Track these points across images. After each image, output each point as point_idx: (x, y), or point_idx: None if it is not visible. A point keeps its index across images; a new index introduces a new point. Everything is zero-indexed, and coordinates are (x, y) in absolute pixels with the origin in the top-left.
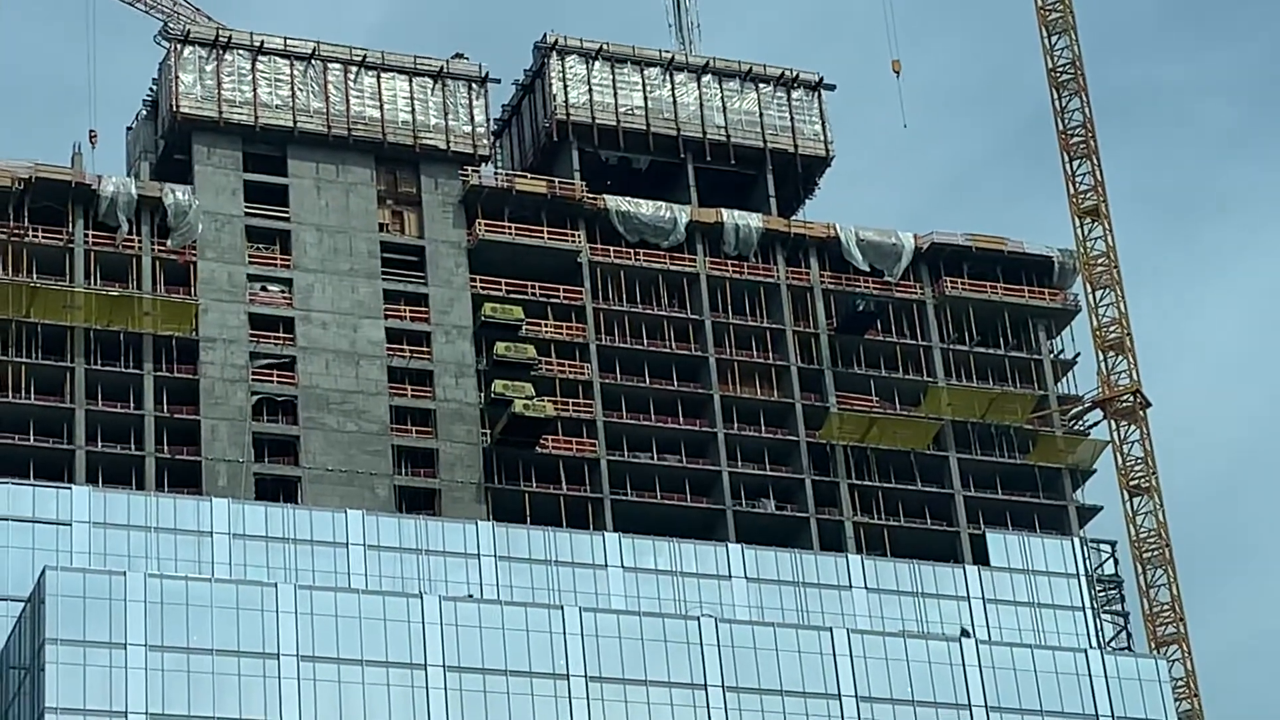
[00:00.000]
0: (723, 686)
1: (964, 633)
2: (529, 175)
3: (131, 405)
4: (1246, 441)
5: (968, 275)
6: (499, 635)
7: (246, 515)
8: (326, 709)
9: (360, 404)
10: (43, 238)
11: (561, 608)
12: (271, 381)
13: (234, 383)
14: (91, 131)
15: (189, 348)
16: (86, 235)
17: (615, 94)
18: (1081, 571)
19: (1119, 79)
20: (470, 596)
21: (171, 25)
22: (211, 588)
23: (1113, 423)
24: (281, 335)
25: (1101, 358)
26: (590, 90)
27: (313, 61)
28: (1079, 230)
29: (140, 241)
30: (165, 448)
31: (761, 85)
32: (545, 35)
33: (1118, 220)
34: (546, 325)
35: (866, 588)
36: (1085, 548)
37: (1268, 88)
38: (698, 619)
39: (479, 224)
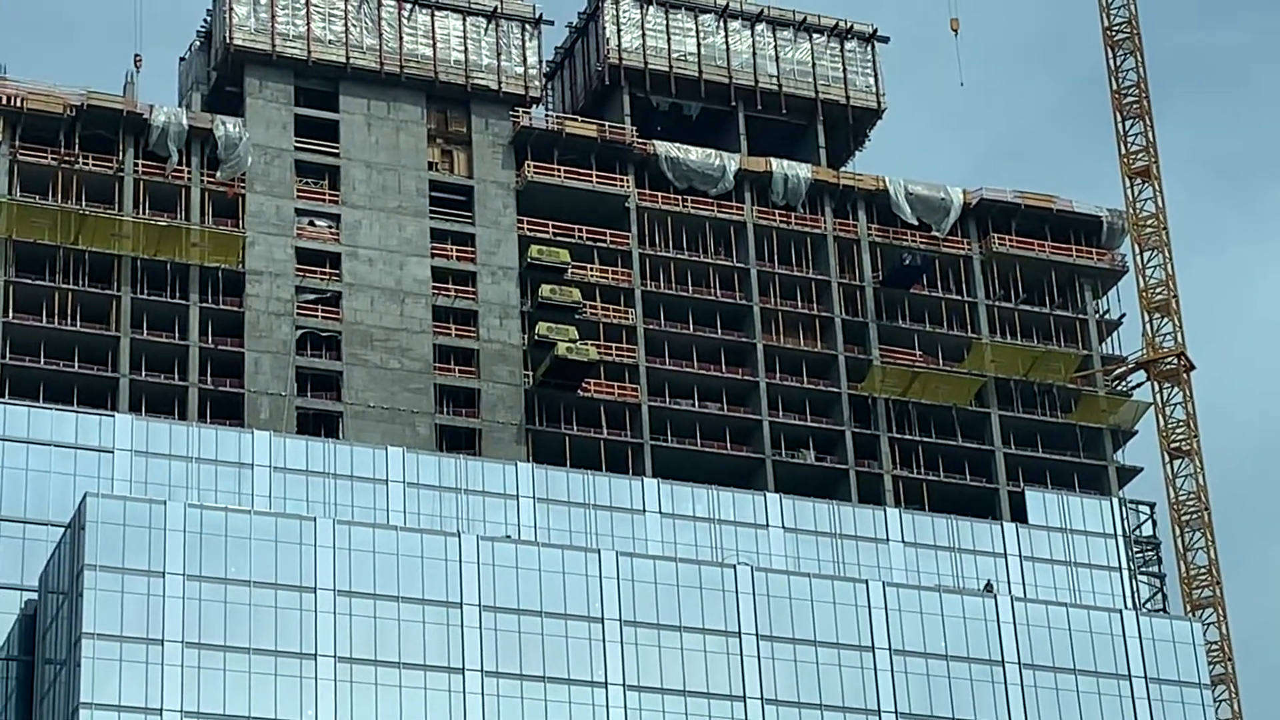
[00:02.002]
0: (756, 635)
1: (988, 586)
2: (579, 118)
3: (176, 335)
4: None
5: (1015, 232)
6: (535, 576)
7: (287, 449)
8: (361, 644)
9: (404, 342)
10: (93, 165)
11: (598, 551)
12: (316, 316)
13: (279, 316)
14: (136, 56)
15: (235, 280)
16: (136, 164)
17: (668, 39)
18: (1119, 532)
19: (1180, 41)
20: (508, 537)
21: None
22: (251, 520)
23: (1155, 384)
24: (328, 270)
25: (1147, 319)
26: (643, 35)
27: None
28: (1129, 191)
29: (190, 173)
30: (208, 379)
31: (815, 35)
32: None
33: (1172, 183)
34: (592, 269)
35: (904, 541)
36: (1124, 508)
37: None
38: (734, 567)
39: (528, 165)
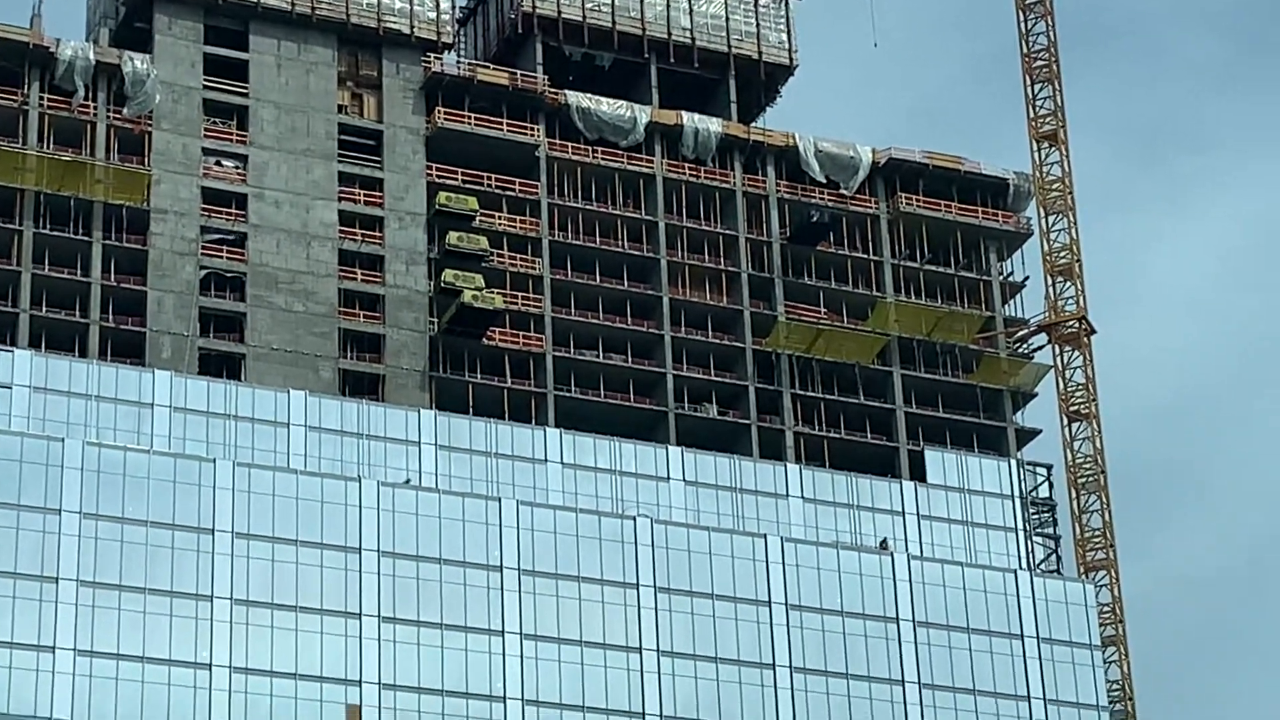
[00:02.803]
0: (654, 587)
1: (883, 544)
2: (491, 66)
3: (78, 272)
4: (1192, 377)
5: (923, 193)
6: (435, 523)
7: (188, 389)
8: (259, 587)
9: (309, 285)
10: None
11: (499, 500)
12: (221, 257)
13: (183, 256)
14: None
15: (139, 218)
16: (41, 98)
17: None
18: (1016, 493)
19: (1093, 6)
20: (408, 482)
21: None
22: (149, 460)
23: (1056, 348)
24: (233, 211)
25: (1050, 282)
26: None
27: None
28: (1036, 155)
29: (96, 108)
30: (110, 317)
31: None
32: None
33: (1080, 148)
34: (500, 217)
35: (803, 497)
36: (1021, 470)
37: (1249, 23)
38: (633, 518)
39: (438, 112)
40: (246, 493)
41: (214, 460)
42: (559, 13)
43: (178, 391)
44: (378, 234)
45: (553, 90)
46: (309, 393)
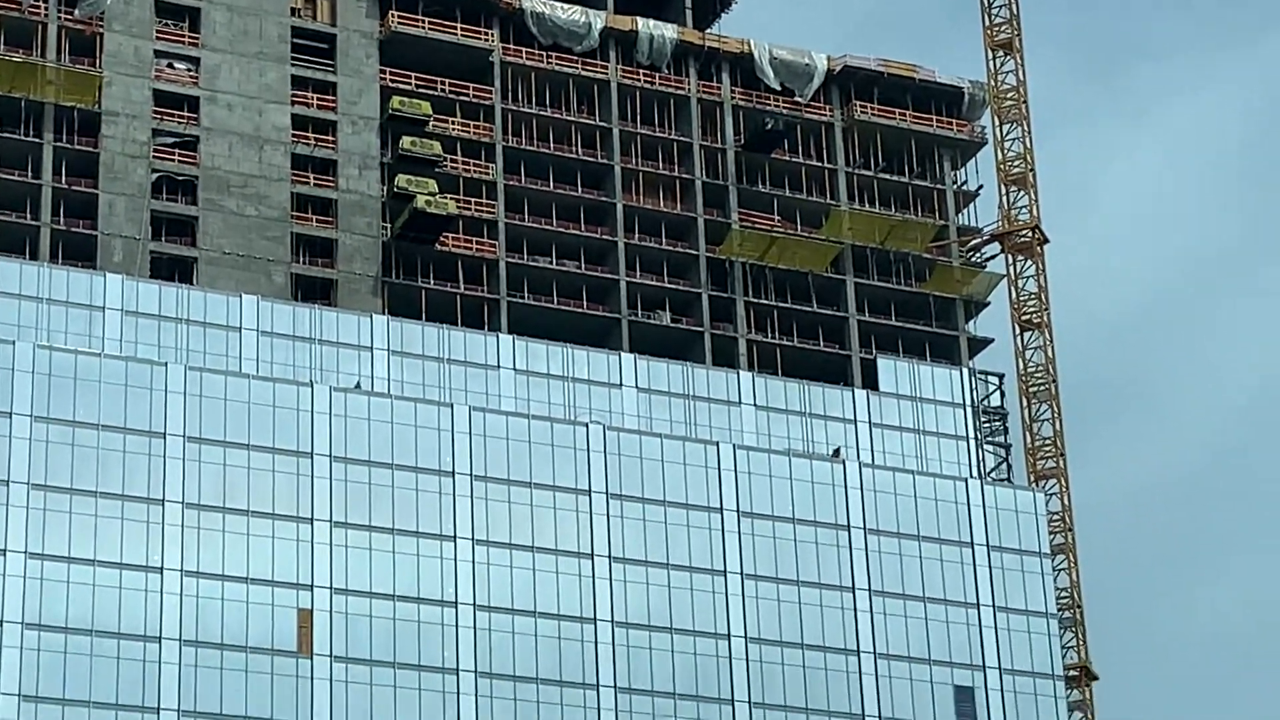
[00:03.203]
0: (606, 493)
1: (836, 453)
2: None
3: (29, 175)
4: (1145, 287)
5: (878, 101)
6: (387, 429)
7: (140, 293)
8: (210, 491)
9: (261, 189)
10: None
11: (451, 405)
12: (173, 160)
13: (134, 159)
14: None
15: (91, 120)
16: None
17: None
18: (967, 401)
19: None
20: (358, 386)
21: None
22: (101, 363)
23: (1009, 257)
24: (185, 114)
25: (1003, 191)
26: None
27: None
28: (991, 63)
29: (47, 9)
30: (61, 220)
31: None
32: None
33: (1037, 58)
34: (454, 123)
35: (755, 405)
36: (973, 378)
37: None
38: (586, 425)
39: (392, 15)
40: (198, 397)
41: (165, 364)
42: None
43: (129, 295)
44: (330, 138)
45: None
46: (261, 297)
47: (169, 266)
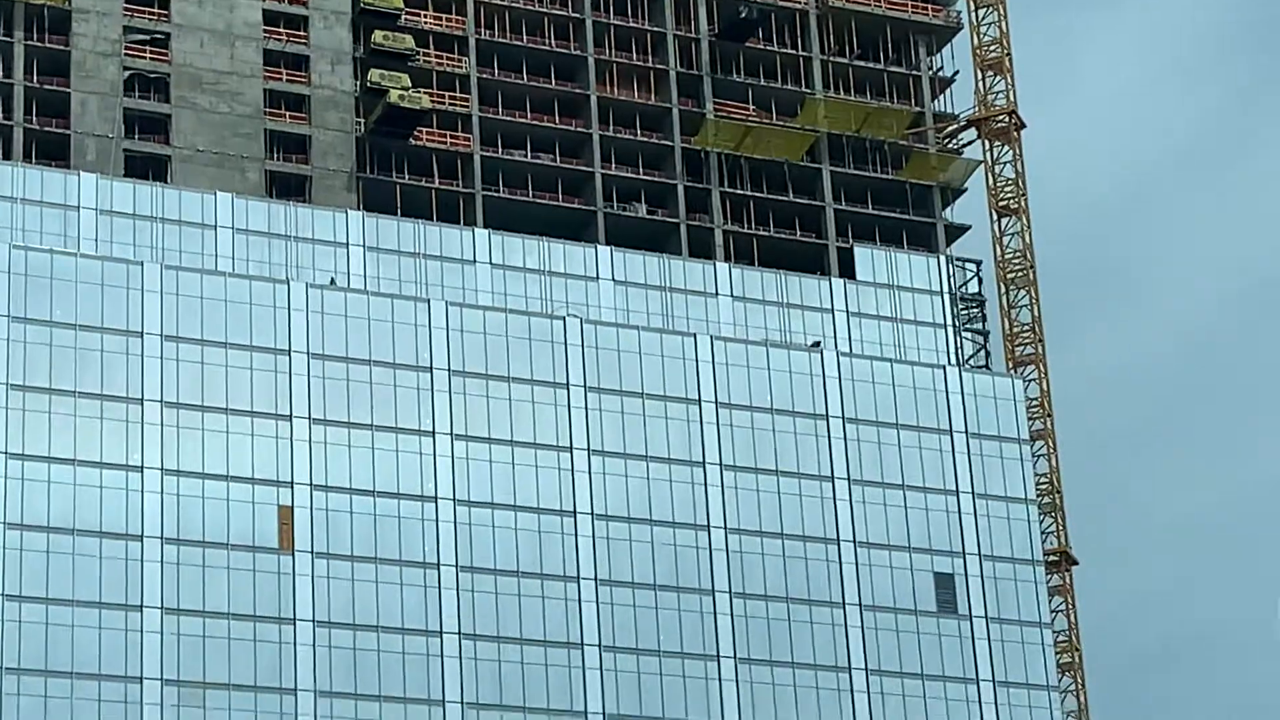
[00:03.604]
0: (584, 386)
1: (815, 344)
2: None
3: (0, 74)
4: (1122, 172)
5: None
6: (364, 325)
7: (114, 192)
8: (189, 389)
9: (234, 86)
10: None
11: (428, 301)
12: (145, 57)
13: (106, 56)
14: None
15: (61, 18)
16: None
17: None
18: (945, 289)
19: None
20: (333, 282)
21: None
22: (76, 262)
23: (986, 142)
24: (156, 11)
25: (979, 77)
26: None
27: None
28: None
29: None
30: (34, 119)
31: None
32: None
33: None
34: (426, 16)
35: (733, 295)
36: (950, 265)
37: None
38: (563, 318)
39: None
40: (174, 295)
41: (141, 263)
42: None
43: (103, 194)
44: (302, 34)
45: None
46: (235, 194)
47: (143, 165)
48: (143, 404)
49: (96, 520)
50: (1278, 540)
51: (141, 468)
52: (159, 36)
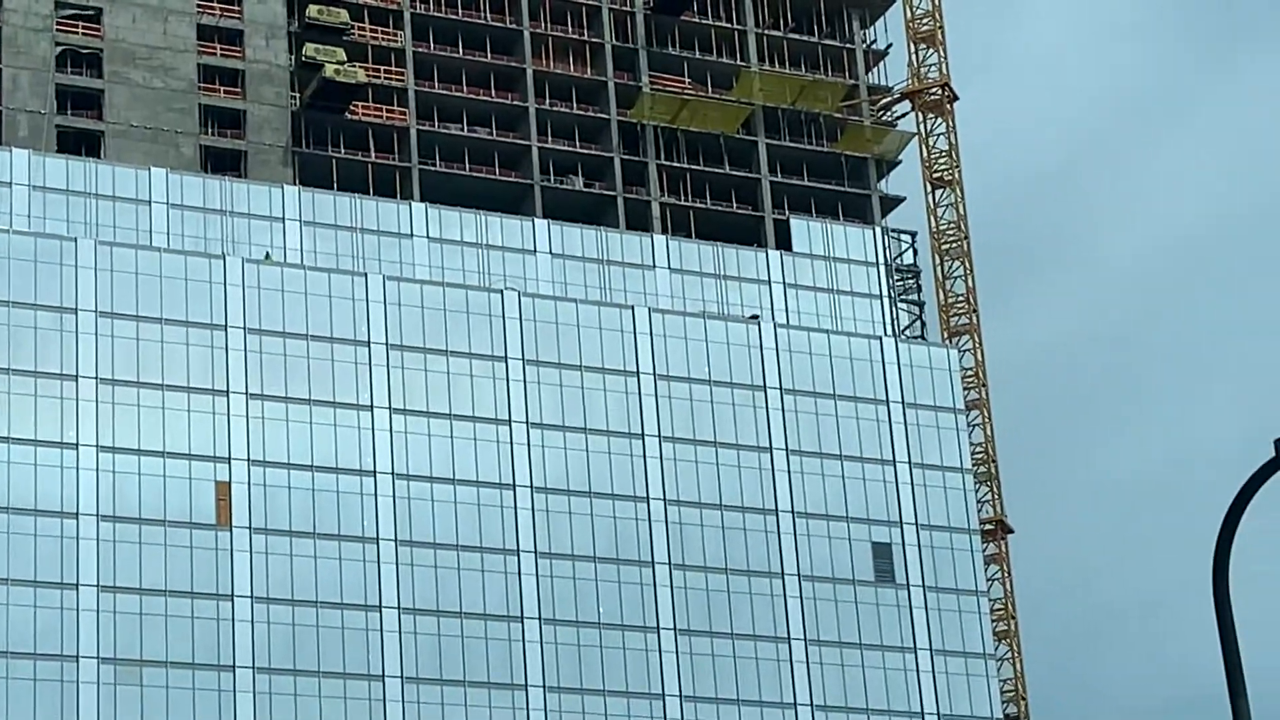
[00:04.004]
0: (523, 359)
1: (753, 316)
2: None
3: None
4: (1055, 142)
5: None
6: (301, 299)
7: (47, 168)
8: (124, 366)
9: (168, 60)
10: None
11: (365, 275)
12: (77, 33)
13: (38, 32)
14: None
15: None
16: None
17: None
18: (881, 260)
19: None
20: (267, 256)
21: None
22: (9, 239)
23: (920, 115)
24: None
25: (913, 49)
26: None
27: None
28: None
29: None
30: None
31: None
32: None
33: None
34: None
35: (670, 268)
36: (886, 237)
37: None
38: (501, 291)
39: None
40: (109, 271)
41: (75, 239)
42: None
43: (36, 170)
44: (236, 8)
45: None
46: (170, 170)
47: (76, 140)
48: (77, 380)
49: (31, 498)
50: (1212, 504)
51: (77, 445)
52: (91, 11)
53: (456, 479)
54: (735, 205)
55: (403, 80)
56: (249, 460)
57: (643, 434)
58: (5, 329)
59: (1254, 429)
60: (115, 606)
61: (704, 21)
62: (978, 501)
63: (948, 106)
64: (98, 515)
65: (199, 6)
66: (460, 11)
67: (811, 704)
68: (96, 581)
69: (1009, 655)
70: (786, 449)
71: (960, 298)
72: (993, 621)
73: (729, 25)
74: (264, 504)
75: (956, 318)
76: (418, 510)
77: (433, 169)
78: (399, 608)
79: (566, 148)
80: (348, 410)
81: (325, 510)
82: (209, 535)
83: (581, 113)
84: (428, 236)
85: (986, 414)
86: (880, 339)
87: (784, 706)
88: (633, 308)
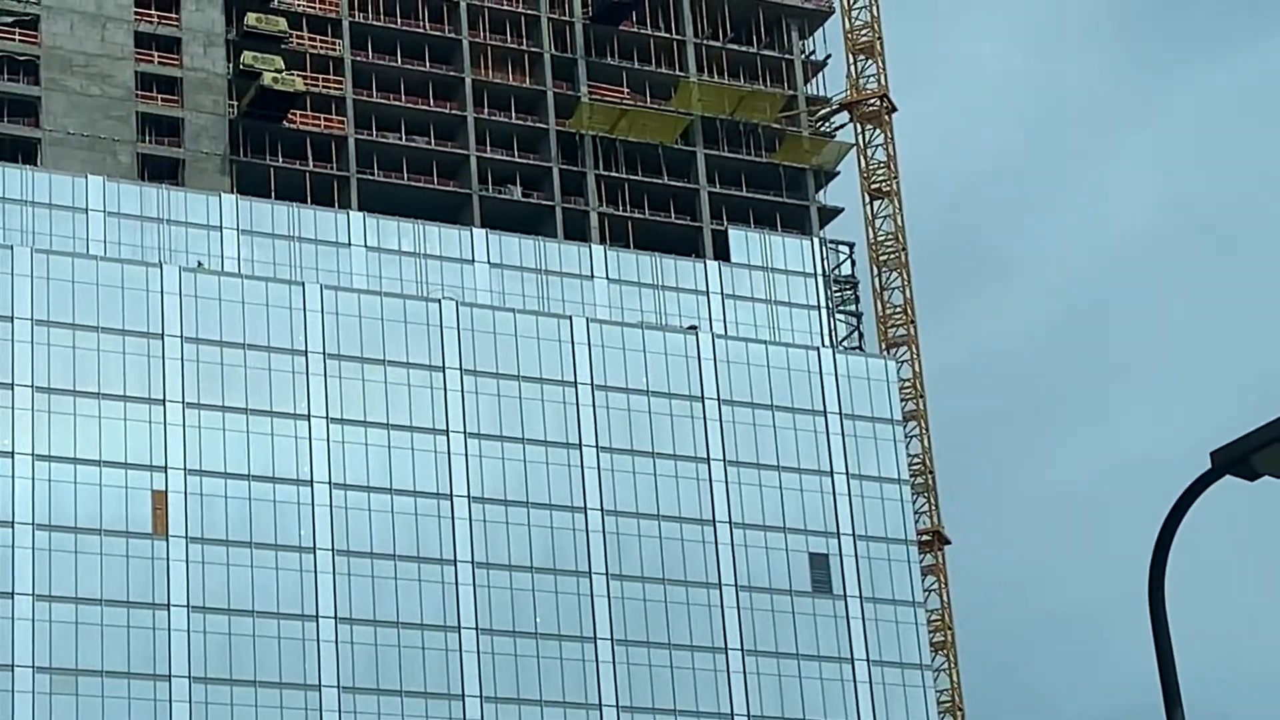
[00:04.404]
0: (460, 369)
1: (692, 328)
2: None
3: None
4: (992, 154)
5: None
6: (239, 308)
7: None
8: (60, 374)
9: (105, 68)
10: None
11: (303, 284)
12: (13, 40)
13: None
14: None
15: None
16: None
17: None
18: (819, 271)
19: None
20: (200, 265)
21: None
22: None
23: (858, 126)
24: None
25: (851, 60)
26: None
27: None
28: None
29: None
30: None
31: None
32: None
33: None
34: None
35: (608, 278)
36: (824, 248)
37: None
38: (439, 301)
39: None
40: (45, 279)
41: (11, 247)
42: None
43: None
44: (174, 15)
45: None
46: (107, 177)
47: (12, 148)
48: (13, 389)
49: None
50: (1148, 515)
51: (12, 453)
52: (28, 18)
53: (394, 489)
54: (674, 215)
55: (341, 89)
56: (185, 469)
57: (580, 444)
58: None
59: (1191, 439)
60: (51, 615)
61: (643, 31)
62: (915, 512)
63: (886, 118)
64: (33, 524)
65: (137, 14)
66: (399, 20)
67: (749, 714)
68: (32, 590)
69: (946, 666)
70: (725, 459)
71: (898, 308)
72: (930, 632)
73: (668, 35)
74: (201, 513)
75: (894, 328)
76: (355, 520)
77: (371, 178)
78: (336, 617)
79: (505, 157)
80: (285, 419)
81: (262, 519)
82: (145, 544)
83: (520, 122)
84: (365, 245)
85: (924, 425)
86: (818, 350)
87: (721, 717)
88: (571, 318)
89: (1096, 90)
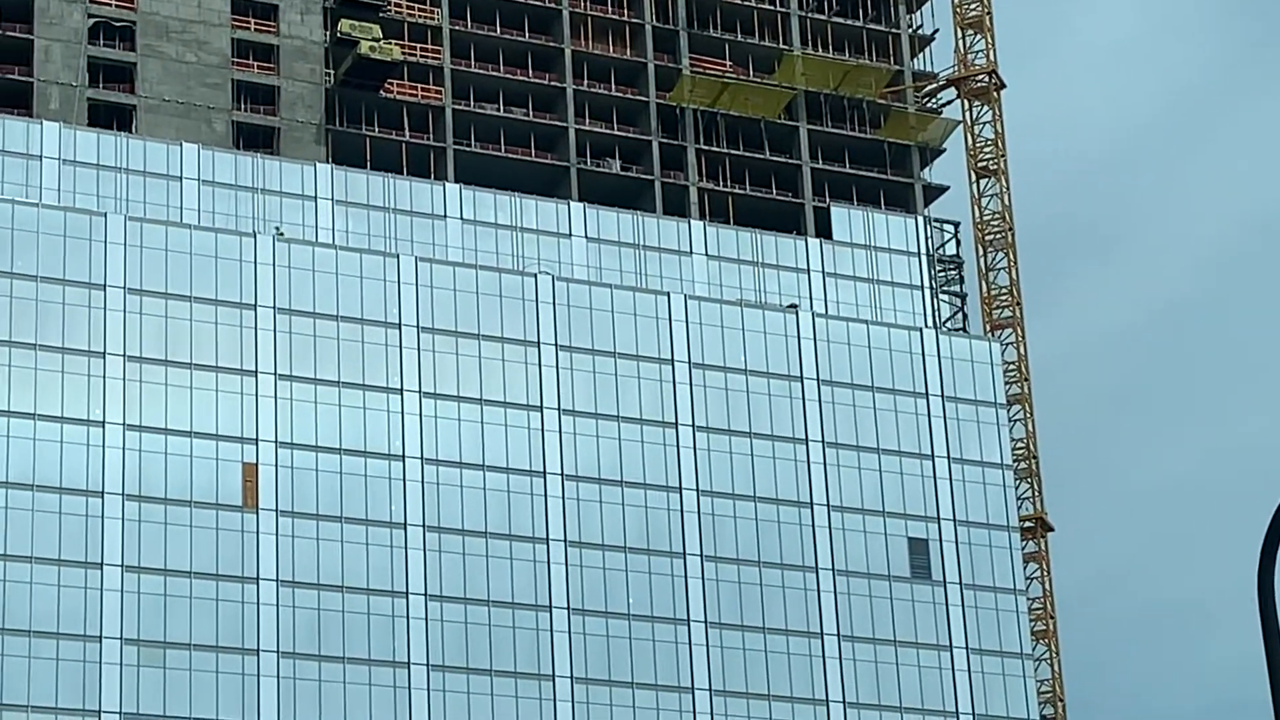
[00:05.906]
0: (555, 344)
1: (792, 306)
2: None
3: None
4: (1103, 134)
5: None
6: (332, 280)
7: (78, 141)
8: (152, 344)
9: (201, 34)
10: None
11: (397, 256)
12: (110, 5)
13: (70, 3)
14: None
15: None
16: None
17: None
18: (923, 250)
19: None
20: (279, 232)
21: None
22: (39, 213)
23: (965, 102)
24: None
25: (959, 35)
26: None
27: None
28: None
29: None
30: None
31: None
32: None
33: None
34: None
35: (707, 254)
36: (928, 226)
37: None
38: (534, 275)
39: None
40: (139, 247)
41: (105, 214)
42: None
43: (67, 143)
44: None
45: None
46: (202, 145)
47: (107, 114)
48: (105, 358)
49: (57, 476)
50: (1255, 506)
51: (104, 423)
52: None
53: (486, 465)
54: (775, 191)
55: (439, 59)
56: (276, 441)
57: (676, 423)
58: (34, 304)
59: None
60: (140, 587)
61: (746, 3)
62: (1017, 498)
63: (994, 94)
64: (123, 494)
65: None
66: None
67: (844, 700)
68: (121, 561)
69: (1047, 655)
70: (823, 441)
71: (1003, 290)
72: (1031, 620)
73: (771, 7)
74: (291, 486)
75: (999, 310)
76: (446, 496)
77: (467, 149)
78: (425, 594)
79: (604, 130)
80: (377, 393)
81: (353, 494)
82: (235, 517)
83: (620, 95)
84: (461, 218)
85: (1028, 409)
86: (921, 330)
87: (815, 703)
88: (668, 294)
89: (1211, 73)
